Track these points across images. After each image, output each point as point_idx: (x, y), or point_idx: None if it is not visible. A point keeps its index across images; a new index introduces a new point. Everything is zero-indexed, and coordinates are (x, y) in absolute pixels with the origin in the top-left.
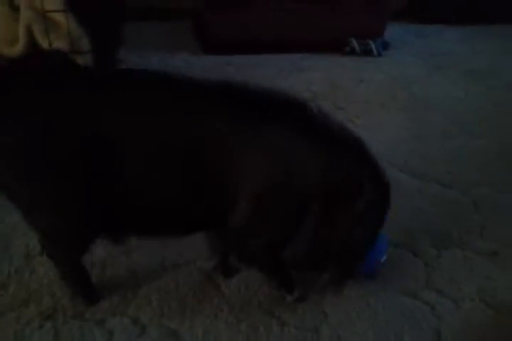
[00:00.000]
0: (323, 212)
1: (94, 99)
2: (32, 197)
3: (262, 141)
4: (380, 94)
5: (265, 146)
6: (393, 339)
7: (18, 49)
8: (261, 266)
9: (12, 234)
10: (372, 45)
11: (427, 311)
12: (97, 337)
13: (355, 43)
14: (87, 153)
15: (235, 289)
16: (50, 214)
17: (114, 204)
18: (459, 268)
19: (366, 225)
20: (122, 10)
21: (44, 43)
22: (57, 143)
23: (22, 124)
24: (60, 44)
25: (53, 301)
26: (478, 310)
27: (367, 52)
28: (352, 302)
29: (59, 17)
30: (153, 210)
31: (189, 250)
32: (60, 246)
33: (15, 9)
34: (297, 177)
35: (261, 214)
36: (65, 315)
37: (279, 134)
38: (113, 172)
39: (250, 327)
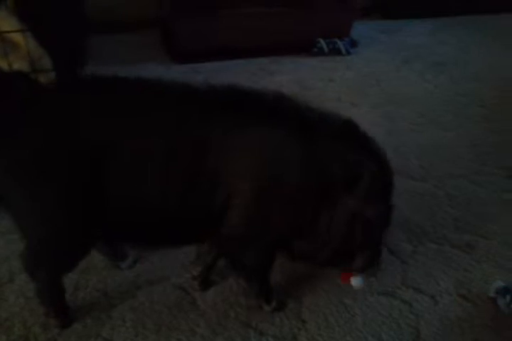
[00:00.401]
0: (322, 209)
1: (93, 109)
2: (32, 208)
3: (256, 142)
4: (351, 93)
5: (259, 147)
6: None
7: None
8: (253, 271)
9: None
10: (340, 44)
11: (404, 309)
12: None
13: (323, 43)
14: (86, 163)
15: (211, 303)
16: (48, 224)
17: (113, 213)
18: (435, 262)
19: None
20: (85, 24)
21: (3, 65)
22: (59, 155)
23: (26, 138)
24: (20, 65)
25: (25, 329)
26: (455, 304)
27: (335, 52)
28: (330, 306)
29: (17, 37)
30: (150, 218)
31: (163, 267)
32: (46, 261)
33: None
34: (291, 178)
35: (255, 215)
36: None
37: (272, 134)
38: (112, 180)
39: (227, 339)
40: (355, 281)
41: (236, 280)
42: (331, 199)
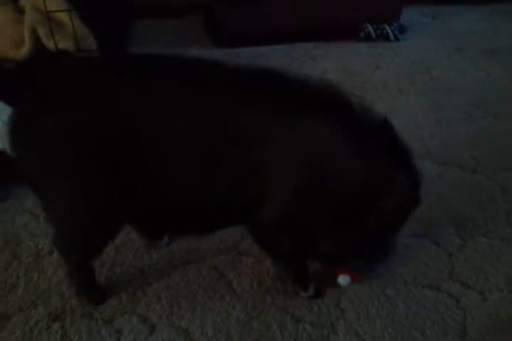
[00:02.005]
0: (359, 210)
1: (130, 90)
2: (63, 194)
3: (305, 132)
4: (398, 80)
5: (308, 137)
6: (415, 335)
7: (24, 52)
8: (288, 258)
9: (21, 234)
10: (389, 30)
11: (451, 304)
12: (106, 337)
13: (370, 28)
14: (122, 146)
15: (247, 286)
16: (79, 210)
17: (146, 200)
18: (485, 257)
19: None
20: (130, 7)
21: (49, 44)
22: (94, 137)
23: (59, 120)
24: (65, 44)
25: (62, 301)
26: (506, 301)
27: (383, 37)
28: (370, 296)
29: (63, 17)
30: (187, 204)
31: (198, 247)
32: (78, 245)
33: (20, 12)
34: (336, 172)
35: (296, 205)
36: (74, 315)
37: (322, 126)
38: (149, 166)
39: (263, 324)
40: (343, 280)
41: (272, 265)
42: (368, 200)
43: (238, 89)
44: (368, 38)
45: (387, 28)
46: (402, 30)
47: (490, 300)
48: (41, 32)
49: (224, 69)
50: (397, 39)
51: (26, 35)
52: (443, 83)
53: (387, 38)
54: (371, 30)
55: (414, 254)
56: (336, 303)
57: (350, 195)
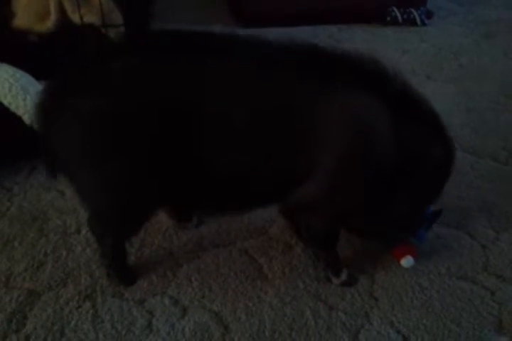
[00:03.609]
0: (398, 182)
1: (189, 69)
2: (99, 175)
3: (347, 108)
4: (426, 65)
5: (350, 113)
6: (451, 326)
7: (48, 24)
8: (322, 241)
9: (48, 211)
10: (416, 14)
11: (486, 297)
12: (137, 318)
13: (396, 12)
14: (169, 125)
15: (278, 271)
16: (117, 192)
17: (184, 179)
18: None
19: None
20: None
21: (75, 18)
22: (140, 117)
23: (99, 97)
24: (91, 18)
25: (92, 280)
26: None
27: (410, 22)
28: (404, 286)
29: None
30: (225, 182)
31: (228, 230)
32: (113, 227)
33: None
34: (377, 147)
35: (335, 184)
36: (104, 294)
37: (364, 101)
38: (193, 145)
39: (296, 310)
40: (406, 261)
41: (304, 251)
42: (412, 178)
43: (293, 67)
44: (394, 22)
45: (414, 12)
46: (429, 15)
47: None
48: (67, 5)
49: (273, 46)
50: (423, 24)
51: (52, 7)
52: (472, 70)
53: (413, 23)
54: (398, 14)
55: (448, 245)
56: (369, 292)
57: (393, 164)
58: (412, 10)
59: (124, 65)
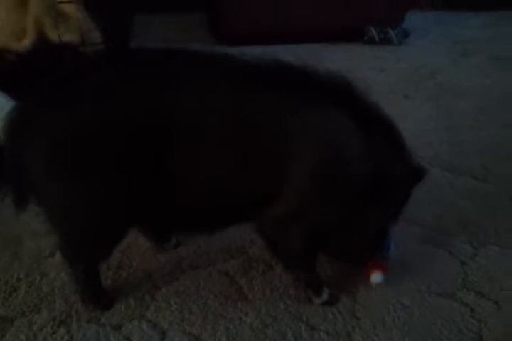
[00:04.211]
0: (370, 201)
1: (150, 84)
2: (67, 196)
3: (317, 123)
4: (403, 84)
5: (320, 128)
6: None
7: (26, 43)
8: (300, 260)
9: (22, 234)
10: (392, 34)
11: (466, 314)
12: None
13: (374, 32)
14: (140, 143)
15: (259, 292)
16: (88, 214)
17: (155, 198)
18: (498, 266)
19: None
20: (133, 2)
21: (53, 36)
22: (119, 135)
23: (72, 116)
24: (69, 36)
25: (67, 305)
26: None
27: (386, 41)
28: (385, 304)
29: (69, 8)
30: (198, 200)
31: (208, 251)
32: (84, 251)
33: (23, 2)
34: (348, 162)
35: (308, 199)
36: (80, 319)
37: (333, 116)
38: (165, 163)
39: (277, 332)
40: (376, 277)
41: (284, 271)
42: (381, 193)
43: (254, 80)
44: (371, 41)
45: (391, 31)
46: (406, 34)
47: (505, 310)
48: (46, 23)
49: (238, 62)
50: (400, 43)
51: (30, 25)
52: (448, 89)
53: (390, 42)
54: (375, 34)
55: (427, 262)
56: (350, 311)
57: (364, 179)
58: (389, 29)
59: (95, 81)
